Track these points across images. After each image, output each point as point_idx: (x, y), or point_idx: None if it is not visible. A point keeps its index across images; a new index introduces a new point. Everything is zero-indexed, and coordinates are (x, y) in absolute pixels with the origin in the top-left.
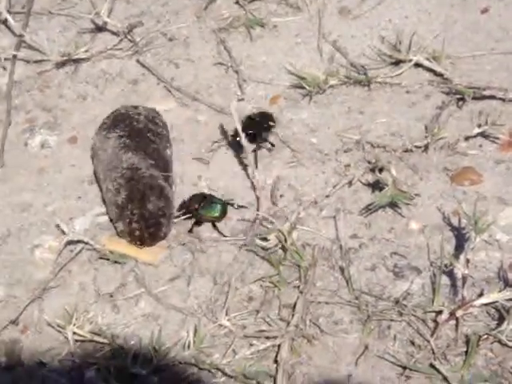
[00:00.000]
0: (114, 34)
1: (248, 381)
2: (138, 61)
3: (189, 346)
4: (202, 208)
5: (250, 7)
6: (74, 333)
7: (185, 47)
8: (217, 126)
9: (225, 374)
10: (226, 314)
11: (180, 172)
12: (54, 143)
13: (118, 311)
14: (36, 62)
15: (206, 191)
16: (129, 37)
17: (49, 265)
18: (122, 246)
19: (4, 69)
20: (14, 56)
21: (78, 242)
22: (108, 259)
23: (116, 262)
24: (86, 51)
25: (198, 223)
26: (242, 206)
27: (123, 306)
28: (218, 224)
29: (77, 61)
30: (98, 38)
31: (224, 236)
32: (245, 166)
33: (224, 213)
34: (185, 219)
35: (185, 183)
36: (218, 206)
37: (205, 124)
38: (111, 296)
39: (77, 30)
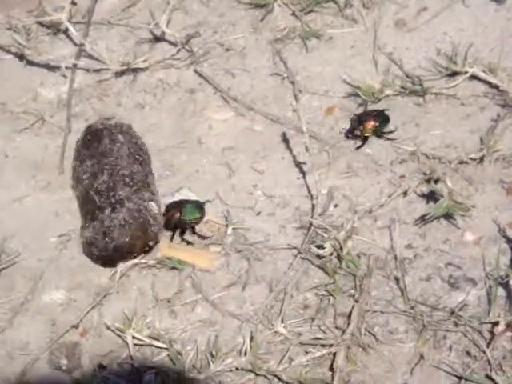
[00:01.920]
0: (171, 44)
1: None
2: (195, 70)
3: (245, 353)
4: (183, 214)
5: (306, 18)
6: (133, 337)
7: (241, 58)
8: (272, 135)
9: (281, 380)
10: (282, 322)
11: (236, 181)
12: None
13: (176, 316)
14: (95, 70)
15: (262, 199)
16: (186, 47)
17: (108, 270)
18: (180, 252)
19: (64, 77)
20: (75, 65)
21: None
22: (166, 265)
23: (173, 268)
24: (145, 61)
25: (183, 231)
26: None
27: (180, 311)
28: (196, 227)
29: (135, 70)
30: (156, 48)
31: (206, 238)
32: (300, 175)
33: (203, 211)
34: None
35: (240, 192)
36: (196, 207)
37: (260, 133)
38: (169, 302)
39: (135, 40)
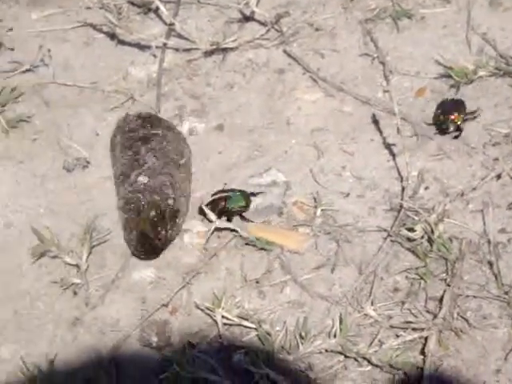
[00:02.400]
0: (261, 24)
1: (395, 371)
2: (284, 51)
3: (335, 335)
4: (228, 202)
5: None
6: (223, 316)
7: (331, 38)
8: (362, 116)
9: (371, 363)
10: (372, 304)
11: (325, 162)
12: (202, 130)
13: (264, 297)
14: (185, 50)
15: (351, 181)
16: (276, 27)
17: (197, 249)
18: (269, 233)
19: (154, 56)
20: (164, 44)
21: (225, 228)
22: (254, 246)
23: (262, 248)
24: (234, 40)
25: (229, 219)
26: (258, 193)
27: (269, 292)
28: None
29: (225, 50)
30: (245, 28)
31: (252, 221)
32: (390, 157)
33: (249, 201)
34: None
35: (329, 174)
36: (241, 196)
37: (349, 115)
38: (257, 282)
39: (225, 20)
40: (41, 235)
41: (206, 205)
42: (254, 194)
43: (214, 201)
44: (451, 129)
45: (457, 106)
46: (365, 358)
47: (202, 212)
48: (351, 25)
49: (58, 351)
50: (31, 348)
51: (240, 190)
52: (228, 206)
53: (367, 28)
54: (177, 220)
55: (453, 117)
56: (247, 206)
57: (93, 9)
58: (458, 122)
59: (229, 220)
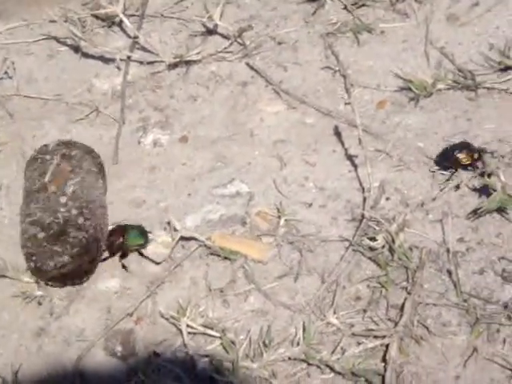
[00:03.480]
0: (224, 37)
1: (356, 378)
2: (247, 64)
3: (298, 343)
4: (126, 239)
5: (357, 13)
6: (187, 325)
7: (293, 51)
8: (324, 128)
9: (334, 370)
10: (334, 313)
11: (287, 173)
12: (166, 142)
13: (228, 306)
14: (149, 63)
15: (314, 191)
16: (239, 40)
17: (161, 259)
18: (232, 243)
19: (118, 69)
20: (128, 57)
21: (190, 238)
22: (219, 255)
23: (226, 258)
24: (198, 53)
25: (124, 255)
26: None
27: (233, 301)
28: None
29: (188, 62)
30: (208, 41)
31: (157, 263)
32: (351, 168)
33: (147, 238)
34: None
35: (291, 184)
36: (140, 234)
37: (311, 126)
38: (222, 291)
39: (188, 33)
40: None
41: (106, 239)
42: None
43: (111, 236)
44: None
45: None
46: (327, 366)
47: (110, 251)
48: (313, 38)
49: (23, 361)
50: None
51: (138, 226)
52: (126, 242)
53: (329, 42)
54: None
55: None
56: (145, 244)
57: (56, 22)
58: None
59: (124, 256)
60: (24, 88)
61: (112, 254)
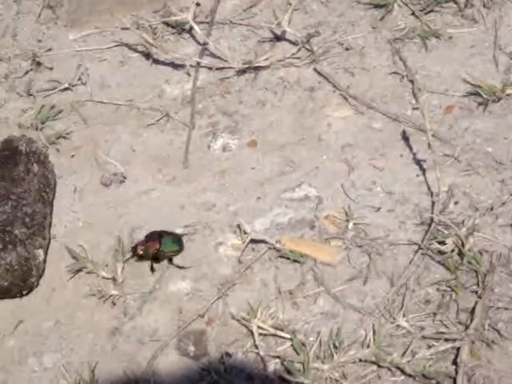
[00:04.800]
0: (292, 43)
1: (427, 381)
2: (315, 69)
3: (368, 345)
4: (162, 246)
5: (425, 18)
6: (258, 326)
7: (360, 57)
8: (391, 133)
9: (404, 373)
10: (404, 315)
11: (355, 177)
12: (235, 146)
13: (298, 308)
14: (218, 69)
15: (382, 195)
16: (306, 46)
17: (231, 261)
18: (302, 246)
19: (188, 75)
20: (198, 63)
21: (259, 241)
22: (288, 258)
23: (296, 261)
24: (266, 59)
25: (158, 260)
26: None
27: (303, 303)
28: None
29: (257, 68)
30: (276, 47)
31: (185, 268)
32: (419, 172)
33: (182, 245)
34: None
35: (359, 189)
36: (175, 241)
37: (379, 131)
38: (291, 293)
39: (257, 39)
40: (75, 253)
41: (137, 245)
42: (186, 235)
43: (147, 241)
44: None
45: None
46: (398, 368)
47: (134, 251)
48: (380, 44)
49: (98, 360)
50: (72, 357)
51: (174, 234)
52: (162, 249)
53: (396, 47)
54: None
55: None
56: (180, 250)
57: (128, 29)
58: None
59: (157, 261)
60: (97, 94)
61: (146, 258)
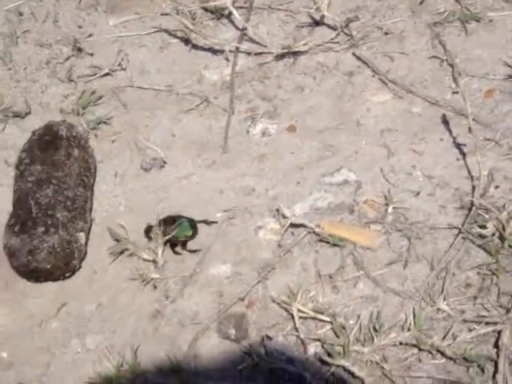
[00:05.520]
0: (331, 28)
1: (468, 363)
2: (353, 54)
3: (409, 328)
4: (176, 231)
5: (465, 2)
6: (299, 310)
7: (400, 41)
8: (431, 117)
9: (445, 355)
10: (444, 299)
11: (395, 162)
12: (274, 131)
13: (338, 292)
14: (257, 54)
15: (422, 180)
16: (345, 31)
17: (271, 245)
18: (341, 230)
19: (227, 60)
20: (237, 48)
21: (299, 225)
22: (328, 242)
23: (335, 245)
24: (305, 44)
25: (174, 245)
26: (212, 222)
27: (342, 287)
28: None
29: (295, 53)
30: (315, 32)
31: (195, 251)
32: (459, 156)
33: (196, 230)
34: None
35: (399, 173)
36: (189, 225)
37: (418, 115)
38: (331, 277)
39: (295, 24)
40: (117, 235)
41: (150, 228)
42: (207, 223)
43: (162, 225)
44: None
45: None
46: (439, 351)
47: (147, 234)
48: (420, 28)
49: (140, 342)
50: (114, 339)
51: (189, 219)
52: (175, 234)
53: (436, 31)
54: None
55: None
56: (193, 236)
57: (167, 15)
58: None
59: (174, 245)
60: (137, 79)
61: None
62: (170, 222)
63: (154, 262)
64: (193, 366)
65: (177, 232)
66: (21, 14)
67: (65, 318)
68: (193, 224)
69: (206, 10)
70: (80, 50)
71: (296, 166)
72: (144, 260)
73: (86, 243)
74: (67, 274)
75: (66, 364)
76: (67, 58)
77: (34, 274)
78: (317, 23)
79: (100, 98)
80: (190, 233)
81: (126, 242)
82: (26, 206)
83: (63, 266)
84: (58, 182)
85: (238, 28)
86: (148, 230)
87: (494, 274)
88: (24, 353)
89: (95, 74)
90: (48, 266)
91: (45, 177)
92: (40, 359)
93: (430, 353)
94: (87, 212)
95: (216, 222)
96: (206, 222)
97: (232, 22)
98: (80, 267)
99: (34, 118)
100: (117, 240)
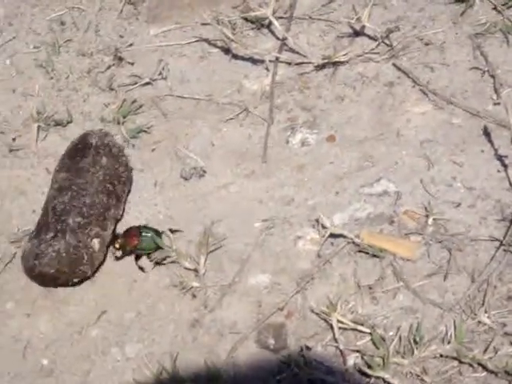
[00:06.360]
0: (371, 38)
1: (510, 377)
2: (394, 64)
3: (449, 341)
4: (140, 243)
5: (507, 13)
6: (338, 320)
7: (440, 52)
8: (472, 128)
9: (486, 369)
10: (486, 312)
11: (435, 173)
12: (314, 141)
13: (377, 303)
14: (297, 64)
15: (462, 191)
16: (386, 41)
17: (310, 255)
18: (381, 241)
19: (267, 70)
20: (277, 58)
21: (338, 235)
22: (367, 253)
23: (375, 255)
24: (345, 54)
25: (138, 257)
26: (176, 231)
27: (382, 298)
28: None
29: (335, 63)
30: (355, 42)
31: (145, 272)
32: (501, 168)
33: (161, 243)
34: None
35: (439, 184)
36: (153, 239)
37: (459, 127)
38: (370, 288)
39: (336, 35)
40: (161, 242)
41: (117, 237)
42: (172, 231)
43: (125, 237)
44: None
45: None
46: (480, 364)
47: (112, 243)
48: (461, 39)
49: (179, 351)
50: (154, 347)
51: (154, 230)
52: (139, 246)
53: (477, 42)
54: None
55: None
56: (158, 249)
57: (208, 25)
58: None
59: (138, 258)
60: (177, 88)
61: (123, 252)
62: (133, 232)
63: (195, 270)
64: (231, 375)
65: (141, 245)
66: (63, 24)
67: (105, 326)
68: (156, 237)
69: (246, 19)
70: (121, 59)
71: (335, 176)
72: (185, 268)
73: (104, 250)
74: (75, 280)
75: (106, 372)
76: (108, 67)
77: (40, 279)
78: (357, 33)
79: (140, 106)
80: (154, 246)
81: (168, 249)
82: (46, 212)
83: (68, 271)
84: (77, 188)
85: (278, 38)
86: (113, 240)
87: None
88: (64, 360)
89: (136, 83)
90: (52, 271)
91: (67, 184)
92: (80, 367)
93: (471, 366)
94: (109, 220)
95: (182, 231)
96: (170, 230)
97: (272, 31)
98: (93, 274)
99: (75, 126)
100: (159, 247)
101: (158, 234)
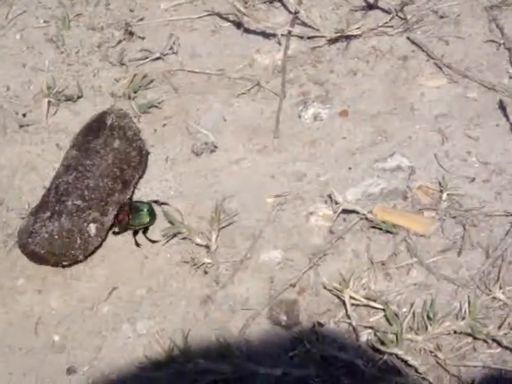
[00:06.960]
0: (385, 11)
1: None
2: (408, 38)
3: (463, 317)
4: (132, 219)
5: None
6: (350, 297)
7: (455, 25)
8: (487, 102)
9: (501, 345)
10: (500, 288)
11: (449, 147)
12: (326, 116)
13: (390, 279)
14: (309, 38)
15: (477, 166)
16: (400, 14)
17: (322, 231)
18: (394, 217)
19: (279, 44)
20: (289, 32)
21: (351, 211)
22: (380, 229)
23: (388, 231)
24: (358, 28)
25: (135, 233)
26: (163, 203)
27: (395, 274)
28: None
29: (348, 37)
30: (369, 16)
31: (154, 242)
32: None
33: (153, 216)
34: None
35: (453, 159)
36: (145, 211)
37: (474, 100)
38: (383, 264)
39: (349, 8)
40: (171, 218)
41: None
42: (158, 203)
43: (118, 214)
44: None
45: None
46: (494, 340)
47: (121, 230)
48: (476, 12)
49: (191, 327)
50: (165, 324)
51: (146, 205)
52: (132, 222)
53: (492, 14)
54: None
55: None
56: (151, 223)
57: None
58: None
59: (135, 233)
60: (188, 63)
61: (122, 231)
62: (126, 210)
63: (207, 246)
64: (243, 351)
65: (133, 220)
66: None
67: (116, 302)
68: (150, 211)
69: None
70: (131, 33)
71: (348, 151)
72: (197, 244)
73: (101, 235)
74: (65, 263)
75: (117, 348)
76: (119, 42)
77: (31, 257)
78: (370, 7)
79: (151, 81)
80: (147, 220)
81: (180, 225)
82: (49, 189)
83: (59, 254)
84: (83, 169)
85: (290, 11)
86: (119, 227)
87: None
88: (75, 336)
89: (146, 58)
90: (42, 251)
91: (74, 163)
92: (91, 343)
93: (486, 342)
94: (110, 205)
95: (167, 204)
96: (156, 202)
97: (284, 5)
98: (85, 258)
99: (86, 101)
100: (171, 223)
101: (150, 209)
